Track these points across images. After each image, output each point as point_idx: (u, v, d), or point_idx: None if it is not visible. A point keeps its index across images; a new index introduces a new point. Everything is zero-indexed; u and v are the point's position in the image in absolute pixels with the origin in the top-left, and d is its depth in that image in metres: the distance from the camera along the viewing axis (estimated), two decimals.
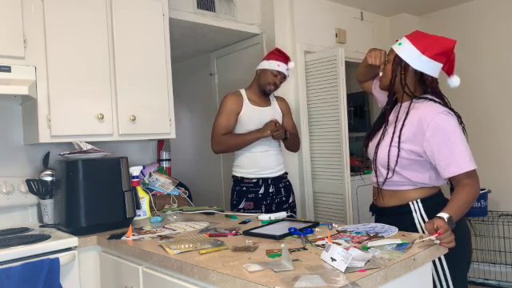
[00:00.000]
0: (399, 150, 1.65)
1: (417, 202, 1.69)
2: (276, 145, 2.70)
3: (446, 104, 1.68)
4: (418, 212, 1.68)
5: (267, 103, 2.73)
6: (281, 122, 2.71)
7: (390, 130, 1.74)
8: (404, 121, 1.67)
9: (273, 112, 2.69)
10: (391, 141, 1.68)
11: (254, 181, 2.62)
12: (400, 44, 1.71)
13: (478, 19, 3.93)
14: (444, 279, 1.62)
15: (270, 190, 2.63)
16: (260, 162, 2.61)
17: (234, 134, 2.62)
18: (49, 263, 1.74)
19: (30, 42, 2.07)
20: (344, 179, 3.35)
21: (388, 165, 1.68)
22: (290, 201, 2.76)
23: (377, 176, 1.77)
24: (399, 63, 1.70)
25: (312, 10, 3.63)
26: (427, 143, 1.60)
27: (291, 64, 2.69)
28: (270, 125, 2.56)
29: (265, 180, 2.62)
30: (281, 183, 2.70)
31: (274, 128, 2.55)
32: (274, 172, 2.66)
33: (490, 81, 3.87)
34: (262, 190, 2.61)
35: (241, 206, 2.60)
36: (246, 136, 2.58)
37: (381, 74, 1.80)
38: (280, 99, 2.85)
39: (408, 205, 1.70)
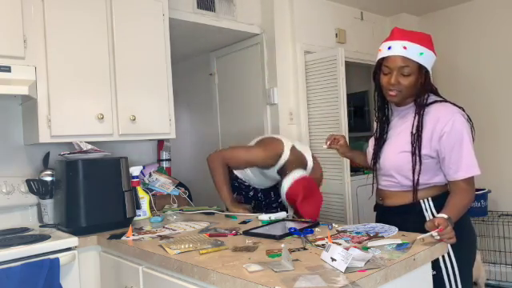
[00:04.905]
0: (420, 158, 1.62)
1: (428, 200, 1.68)
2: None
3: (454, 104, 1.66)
4: (429, 211, 1.67)
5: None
6: None
7: (403, 136, 1.68)
8: (420, 126, 1.63)
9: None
10: (412, 149, 1.63)
11: (246, 183, 2.61)
12: (421, 54, 1.60)
13: (478, 19, 3.93)
14: (452, 275, 1.61)
15: (259, 195, 2.65)
16: (251, 177, 2.57)
17: (222, 176, 2.43)
18: (49, 263, 1.74)
19: (30, 41, 2.06)
20: (344, 179, 3.35)
21: (413, 174, 1.64)
22: (280, 199, 2.74)
23: (387, 181, 1.75)
24: (420, 72, 1.63)
25: (312, 10, 3.62)
26: (442, 144, 1.59)
27: None
28: (241, 209, 2.37)
29: (256, 188, 2.64)
30: (272, 190, 2.68)
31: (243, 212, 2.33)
32: (265, 185, 2.64)
33: (490, 80, 3.86)
34: (251, 193, 2.63)
35: None
36: (222, 188, 2.42)
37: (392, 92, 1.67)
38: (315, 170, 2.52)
39: (419, 203, 1.68)
